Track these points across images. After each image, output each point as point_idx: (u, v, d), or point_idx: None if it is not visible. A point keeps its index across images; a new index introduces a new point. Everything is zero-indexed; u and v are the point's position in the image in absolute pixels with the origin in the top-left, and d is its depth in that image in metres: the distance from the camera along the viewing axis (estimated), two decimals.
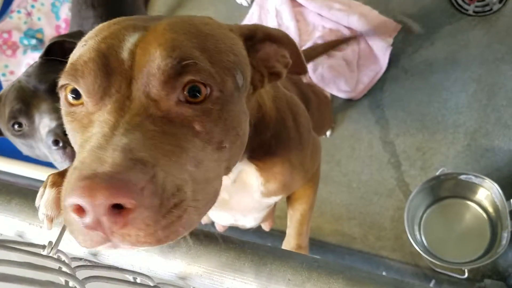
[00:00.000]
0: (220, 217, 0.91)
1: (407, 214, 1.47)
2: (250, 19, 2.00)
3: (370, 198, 1.71)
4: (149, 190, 0.35)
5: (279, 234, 1.74)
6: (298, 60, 0.60)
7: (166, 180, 0.37)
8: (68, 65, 0.45)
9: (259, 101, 0.63)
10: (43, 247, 0.47)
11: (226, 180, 0.68)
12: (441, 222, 1.55)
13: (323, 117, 1.43)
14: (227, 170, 0.51)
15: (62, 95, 0.46)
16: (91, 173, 0.34)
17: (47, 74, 1.00)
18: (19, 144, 1.03)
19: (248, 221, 0.93)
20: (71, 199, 0.34)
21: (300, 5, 1.94)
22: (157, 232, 0.36)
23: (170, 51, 0.42)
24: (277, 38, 0.57)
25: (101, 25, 0.48)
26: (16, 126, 1.00)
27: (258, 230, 1.77)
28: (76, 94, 0.44)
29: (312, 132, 0.87)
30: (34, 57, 2.13)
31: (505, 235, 1.37)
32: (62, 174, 0.50)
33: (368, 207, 1.70)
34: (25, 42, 2.18)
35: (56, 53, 1.04)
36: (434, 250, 1.51)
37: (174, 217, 0.37)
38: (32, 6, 2.22)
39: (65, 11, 2.19)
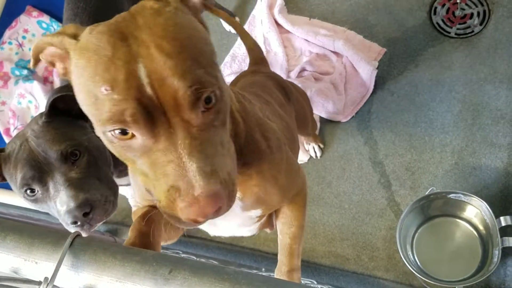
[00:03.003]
0: (216, 232, 0.95)
1: (399, 234, 1.48)
2: (239, 46, 2.04)
3: (362, 219, 1.72)
4: (225, 187, 0.53)
5: (274, 257, 1.74)
6: None
7: (227, 175, 0.55)
8: (107, 115, 0.52)
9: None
10: (39, 283, 0.48)
11: None
12: (432, 241, 1.57)
13: (305, 111, 1.42)
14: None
15: (108, 134, 0.54)
16: (192, 198, 0.51)
17: (55, 140, 0.99)
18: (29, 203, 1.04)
19: (244, 233, 0.97)
20: (190, 216, 0.52)
21: (287, 31, 1.99)
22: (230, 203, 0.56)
23: (183, 81, 0.51)
24: None
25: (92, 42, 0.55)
26: (28, 191, 0.99)
27: (253, 254, 1.77)
28: (123, 132, 0.53)
29: (289, 152, 0.88)
30: (25, 87, 2.14)
31: (496, 252, 1.38)
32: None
33: (360, 227, 1.71)
34: (17, 72, 2.20)
35: (60, 102, 1.04)
36: (427, 269, 1.52)
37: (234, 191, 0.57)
38: (23, 37, 2.24)
39: None
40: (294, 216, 0.91)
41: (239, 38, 2.07)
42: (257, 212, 0.83)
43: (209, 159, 0.53)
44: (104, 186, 1.03)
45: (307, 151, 1.82)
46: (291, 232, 0.91)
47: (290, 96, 1.27)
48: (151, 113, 0.51)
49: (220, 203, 0.52)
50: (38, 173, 0.98)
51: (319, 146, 1.80)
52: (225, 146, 0.58)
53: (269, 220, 1.01)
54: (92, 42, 0.54)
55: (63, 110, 1.06)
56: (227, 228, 0.89)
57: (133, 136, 0.53)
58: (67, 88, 1.07)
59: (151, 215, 0.78)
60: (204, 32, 0.60)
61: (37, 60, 0.65)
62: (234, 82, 1.31)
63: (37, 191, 0.99)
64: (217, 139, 0.56)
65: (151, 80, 0.51)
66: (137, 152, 0.55)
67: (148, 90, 0.51)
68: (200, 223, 0.54)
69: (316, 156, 1.81)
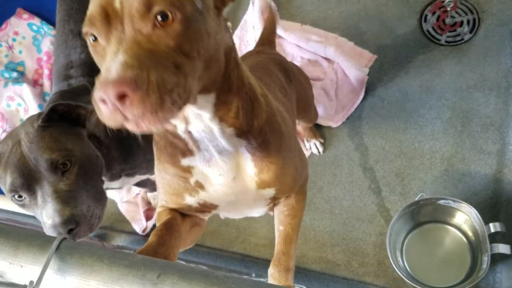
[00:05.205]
0: (229, 213, 1.02)
1: (389, 240, 1.48)
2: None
3: (352, 224, 1.72)
4: (141, 82, 0.53)
5: (263, 262, 1.73)
6: None
7: (157, 79, 0.55)
8: (86, 18, 0.62)
9: (242, 76, 0.75)
10: (24, 287, 0.47)
11: (227, 178, 0.81)
12: (422, 247, 1.57)
13: (307, 94, 1.43)
14: (198, 83, 0.65)
15: (87, 38, 0.65)
16: (105, 79, 0.53)
17: (48, 148, 0.98)
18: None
19: (254, 214, 1.02)
20: (98, 95, 0.54)
21: (279, 36, 1.99)
22: (158, 113, 0.54)
23: None
24: None
25: None
26: (16, 196, 0.99)
27: (243, 259, 1.76)
28: (95, 37, 0.63)
29: (298, 141, 0.97)
30: (15, 90, 2.12)
31: (485, 258, 1.39)
32: None
33: (350, 233, 1.71)
34: (6, 75, 2.17)
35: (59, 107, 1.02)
36: (417, 275, 1.52)
37: (169, 102, 0.56)
38: (14, 40, 2.22)
39: (46, 44, 2.20)
40: (298, 208, 0.98)
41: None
42: (271, 192, 0.88)
43: (142, 61, 0.56)
44: (91, 198, 1.01)
45: (309, 149, 1.82)
46: (294, 222, 0.96)
47: (292, 79, 1.29)
48: (110, 20, 0.59)
49: (126, 89, 0.53)
50: (27, 181, 0.96)
51: (320, 142, 1.81)
52: (180, 74, 0.60)
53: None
54: None
55: (62, 113, 1.05)
56: (241, 207, 0.92)
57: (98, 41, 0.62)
58: (69, 93, 1.06)
59: (174, 224, 0.83)
60: None
61: None
62: None
63: (25, 198, 0.98)
64: (168, 59, 0.59)
65: None
66: (100, 56, 0.63)
67: (117, 4, 0.59)
68: (108, 108, 0.55)
69: (319, 152, 1.81)
